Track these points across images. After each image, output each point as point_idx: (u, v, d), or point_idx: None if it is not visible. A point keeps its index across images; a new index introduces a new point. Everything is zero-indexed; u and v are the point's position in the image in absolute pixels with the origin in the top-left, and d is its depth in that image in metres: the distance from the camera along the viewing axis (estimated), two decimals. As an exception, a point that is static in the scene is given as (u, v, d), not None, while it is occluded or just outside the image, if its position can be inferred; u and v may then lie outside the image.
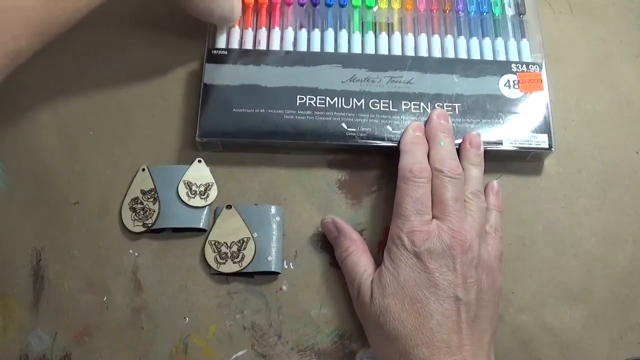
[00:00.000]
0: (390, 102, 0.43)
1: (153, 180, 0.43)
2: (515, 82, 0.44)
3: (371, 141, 0.42)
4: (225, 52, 0.44)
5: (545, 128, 0.43)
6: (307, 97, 0.43)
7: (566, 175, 0.45)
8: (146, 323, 0.41)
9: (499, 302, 0.39)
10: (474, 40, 0.47)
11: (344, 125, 0.42)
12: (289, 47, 0.46)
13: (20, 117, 0.45)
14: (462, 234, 0.37)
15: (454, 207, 0.38)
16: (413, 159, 0.40)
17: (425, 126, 0.42)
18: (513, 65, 0.45)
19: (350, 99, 0.43)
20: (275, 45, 0.46)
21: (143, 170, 0.44)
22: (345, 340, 0.41)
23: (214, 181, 0.43)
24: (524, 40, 0.47)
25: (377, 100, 0.43)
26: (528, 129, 0.43)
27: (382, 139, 0.42)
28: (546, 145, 0.43)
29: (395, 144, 0.42)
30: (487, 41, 0.47)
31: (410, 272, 0.36)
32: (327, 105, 0.43)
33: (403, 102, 0.43)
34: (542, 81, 0.45)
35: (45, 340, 0.40)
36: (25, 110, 0.45)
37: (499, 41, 0.47)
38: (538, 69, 0.45)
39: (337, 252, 0.41)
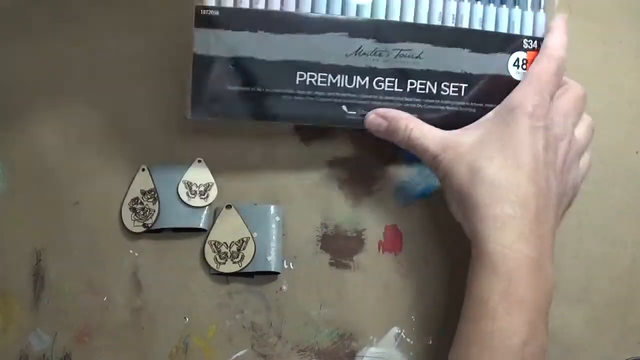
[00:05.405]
0: (396, 80, 0.42)
1: (153, 180, 0.43)
2: (524, 62, 0.43)
3: None
4: (217, 13, 0.39)
5: None
6: (308, 74, 0.41)
7: (566, 175, 0.45)
8: (146, 323, 0.41)
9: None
10: (491, 7, 0.44)
11: (344, 107, 0.41)
12: (291, 6, 0.41)
13: (20, 117, 0.45)
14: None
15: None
16: (563, 48, 0.41)
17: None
18: (524, 41, 0.43)
19: (354, 77, 0.41)
20: (275, 4, 0.40)
21: (143, 170, 0.44)
22: (345, 340, 0.41)
23: (213, 181, 0.43)
24: (541, 11, 0.44)
25: (382, 79, 0.41)
26: None
27: None
28: None
29: None
30: (504, 9, 0.44)
31: (517, 135, 0.38)
32: (328, 85, 0.41)
33: (409, 82, 0.42)
34: None
35: (45, 340, 0.40)
36: (25, 110, 0.45)
37: (516, 10, 0.44)
38: None
39: (398, 137, 0.40)
